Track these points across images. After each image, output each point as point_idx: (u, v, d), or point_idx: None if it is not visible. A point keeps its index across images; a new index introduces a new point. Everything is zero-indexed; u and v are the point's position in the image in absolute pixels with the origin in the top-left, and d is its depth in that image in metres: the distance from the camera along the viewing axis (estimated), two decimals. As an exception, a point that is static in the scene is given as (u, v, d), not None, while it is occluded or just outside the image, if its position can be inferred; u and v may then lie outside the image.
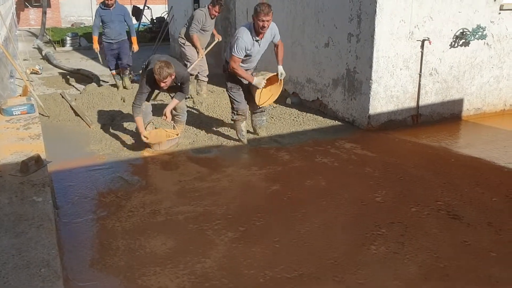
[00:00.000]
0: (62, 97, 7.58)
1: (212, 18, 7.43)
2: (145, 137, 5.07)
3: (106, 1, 7.69)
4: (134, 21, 8.29)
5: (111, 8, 7.74)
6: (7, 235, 2.78)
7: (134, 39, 8.12)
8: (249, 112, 5.55)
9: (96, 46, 8.13)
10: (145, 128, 5.42)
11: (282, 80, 5.36)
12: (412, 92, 6.02)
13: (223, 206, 3.86)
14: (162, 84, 4.83)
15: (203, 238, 3.37)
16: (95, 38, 8.07)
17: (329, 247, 3.26)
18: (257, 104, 5.35)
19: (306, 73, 7.00)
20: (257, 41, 5.00)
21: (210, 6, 7.28)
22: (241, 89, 5.26)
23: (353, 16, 5.87)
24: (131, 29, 8.10)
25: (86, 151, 5.24)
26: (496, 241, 3.32)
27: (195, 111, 6.77)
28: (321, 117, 6.46)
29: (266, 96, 5.38)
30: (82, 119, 6.30)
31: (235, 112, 5.37)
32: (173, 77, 4.84)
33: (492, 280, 2.88)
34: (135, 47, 8.12)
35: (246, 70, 5.17)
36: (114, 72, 8.29)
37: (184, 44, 7.59)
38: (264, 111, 5.62)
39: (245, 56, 5.01)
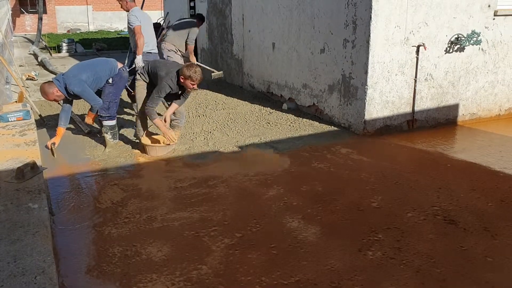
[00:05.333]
0: (58, 103, 7.56)
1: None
2: (171, 139, 5.20)
3: None
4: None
5: None
6: (2, 242, 2.77)
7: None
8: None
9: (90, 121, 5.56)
10: (144, 134, 5.43)
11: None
12: (408, 98, 6.05)
13: (219, 212, 3.86)
14: (196, 86, 5.03)
15: (199, 245, 3.36)
16: None
17: (325, 252, 3.25)
18: None
19: (302, 78, 7.02)
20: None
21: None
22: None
23: (349, 22, 5.90)
24: None
25: (81, 157, 5.23)
26: (492, 246, 3.33)
27: (191, 117, 6.77)
28: (317, 122, 6.48)
29: None
30: (78, 125, 6.29)
31: None
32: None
33: (488, 285, 2.88)
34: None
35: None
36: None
37: (176, 51, 7.55)
38: None
39: None
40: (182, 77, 4.93)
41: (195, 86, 4.98)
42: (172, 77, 5.02)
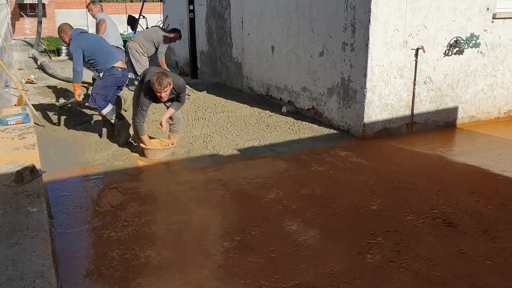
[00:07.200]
0: (57, 106, 7.56)
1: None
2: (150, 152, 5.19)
3: None
4: (129, 30, 8.41)
5: None
6: (1, 246, 2.77)
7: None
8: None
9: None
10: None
11: None
12: (407, 101, 6.05)
13: (218, 216, 3.85)
14: (163, 94, 4.82)
15: (198, 248, 3.36)
16: None
17: (325, 256, 3.25)
18: None
19: (301, 81, 7.03)
20: None
21: None
22: None
23: (348, 25, 5.91)
24: None
25: (81, 160, 5.22)
26: (491, 249, 3.33)
27: (190, 120, 6.78)
28: (316, 125, 6.48)
29: None
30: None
31: None
32: (171, 86, 4.85)
33: (488, 288, 2.89)
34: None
35: None
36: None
37: (143, 53, 8.07)
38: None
39: None
40: (151, 84, 4.80)
41: (162, 95, 4.80)
42: (148, 87, 4.90)
